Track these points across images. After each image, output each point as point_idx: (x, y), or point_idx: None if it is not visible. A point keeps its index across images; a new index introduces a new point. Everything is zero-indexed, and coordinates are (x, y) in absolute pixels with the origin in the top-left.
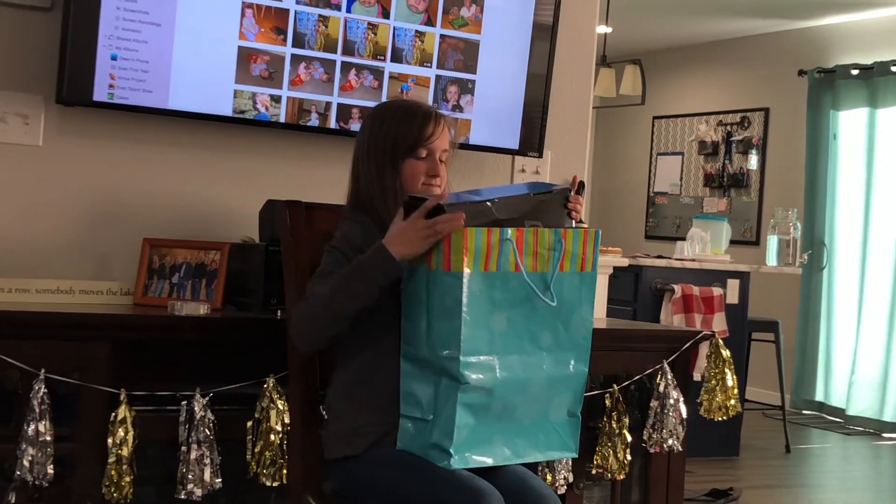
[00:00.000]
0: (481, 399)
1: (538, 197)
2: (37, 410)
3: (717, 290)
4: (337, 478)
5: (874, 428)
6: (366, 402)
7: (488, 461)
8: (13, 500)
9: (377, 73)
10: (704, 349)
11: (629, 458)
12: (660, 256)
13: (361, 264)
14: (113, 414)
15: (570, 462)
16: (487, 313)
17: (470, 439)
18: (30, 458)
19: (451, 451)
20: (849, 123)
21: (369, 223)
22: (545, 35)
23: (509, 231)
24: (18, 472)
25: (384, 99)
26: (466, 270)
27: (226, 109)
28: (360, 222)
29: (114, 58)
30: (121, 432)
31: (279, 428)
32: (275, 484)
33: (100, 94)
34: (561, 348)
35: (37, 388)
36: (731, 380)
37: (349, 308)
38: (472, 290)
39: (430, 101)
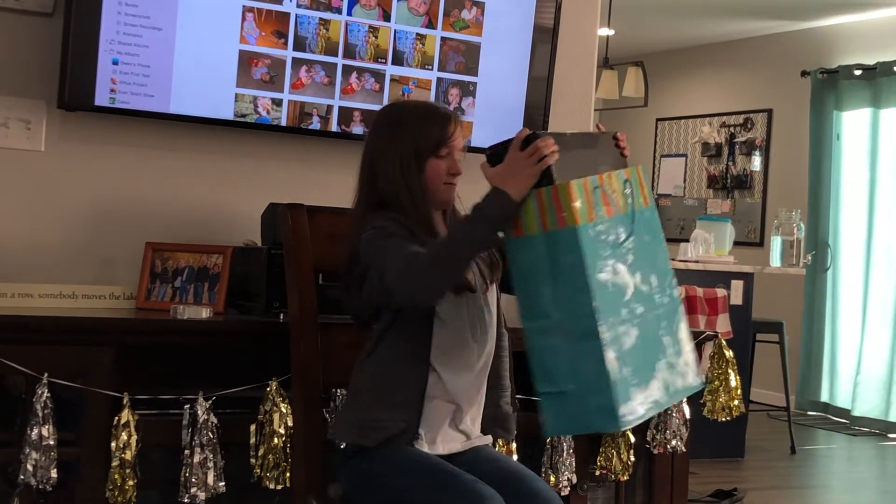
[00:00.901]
0: (622, 349)
1: (603, 135)
2: (40, 415)
3: (720, 292)
4: (345, 474)
5: (880, 429)
6: (388, 398)
7: (650, 410)
8: None
9: (378, 76)
10: (708, 350)
11: (633, 459)
12: None
13: (483, 210)
14: (116, 418)
15: (574, 463)
16: (602, 262)
17: (625, 392)
18: (33, 462)
19: (617, 409)
20: (852, 124)
21: (401, 219)
22: (546, 37)
23: (596, 179)
24: (22, 477)
25: (385, 101)
26: (581, 223)
27: (227, 113)
28: (393, 218)
29: (115, 62)
30: (124, 436)
31: (282, 431)
32: (278, 487)
33: (101, 99)
34: (661, 280)
35: (40, 392)
36: (734, 380)
37: (473, 254)
38: (589, 242)
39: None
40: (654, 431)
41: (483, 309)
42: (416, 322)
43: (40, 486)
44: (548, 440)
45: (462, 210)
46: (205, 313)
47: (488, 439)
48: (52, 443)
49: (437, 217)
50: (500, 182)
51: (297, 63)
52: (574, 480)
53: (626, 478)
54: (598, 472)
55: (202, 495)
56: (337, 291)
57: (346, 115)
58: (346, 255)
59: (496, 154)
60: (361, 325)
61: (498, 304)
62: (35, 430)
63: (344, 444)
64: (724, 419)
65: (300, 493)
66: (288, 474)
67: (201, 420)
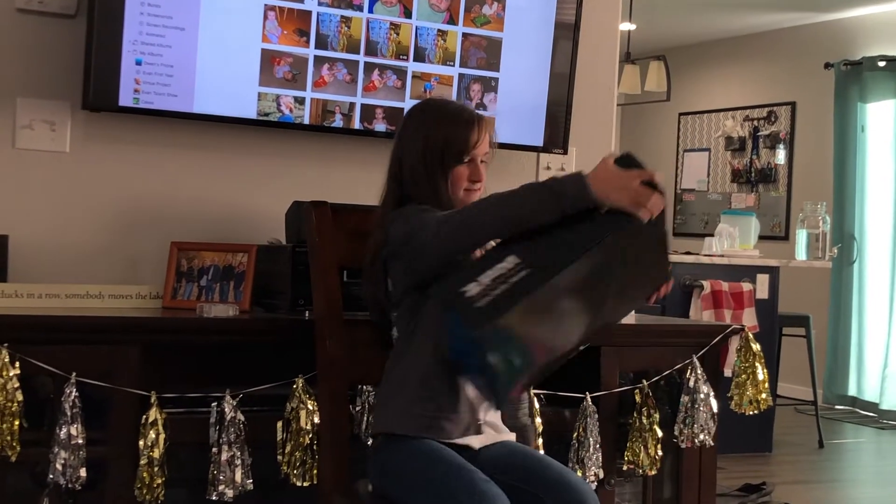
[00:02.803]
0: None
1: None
2: (68, 414)
3: (746, 286)
4: (374, 469)
5: None
6: (425, 392)
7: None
8: None
9: (400, 73)
10: (734, 344)
11: (660, 453)
12: (688, 253)
13: (556, 180)
14: (144, 416)
15: (601, 458)
16: None
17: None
18: (62, 461)
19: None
20: (877, 115)
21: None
22: (568, 33)
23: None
24: (51, 476)
25: (408, 98)
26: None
27: (250, 112)
28: (421, 209)
29: (138, 63)
30: (152, 435)
31: (309, 428)
32: (305, 484)
33: (125, 100)
34: None
35: (68, 391)
36: (761, 374)
37: (515, 216)
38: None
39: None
40: (682, 426)
41: None
42: (437, 322)
43: (69, 486)
44: (574, 435)
45: None
46: (231, 312)
47: (513, 435)
48: (80, 442)
49: None
50: (596, 177)
51: (319, 61)
52: (601, 475)
53: (653, 472)
54: (625, 467)
55: (230, 493)
56: (360, 289)
57: (368, 112)
58: (370, 247)
59: (627, 160)
60: (379, 316)
61: None
62: (64, 430)
63: (371, 441)
64: (751, 413)
65: (327, 490)
66: (315, 471)
67: (228, 418)
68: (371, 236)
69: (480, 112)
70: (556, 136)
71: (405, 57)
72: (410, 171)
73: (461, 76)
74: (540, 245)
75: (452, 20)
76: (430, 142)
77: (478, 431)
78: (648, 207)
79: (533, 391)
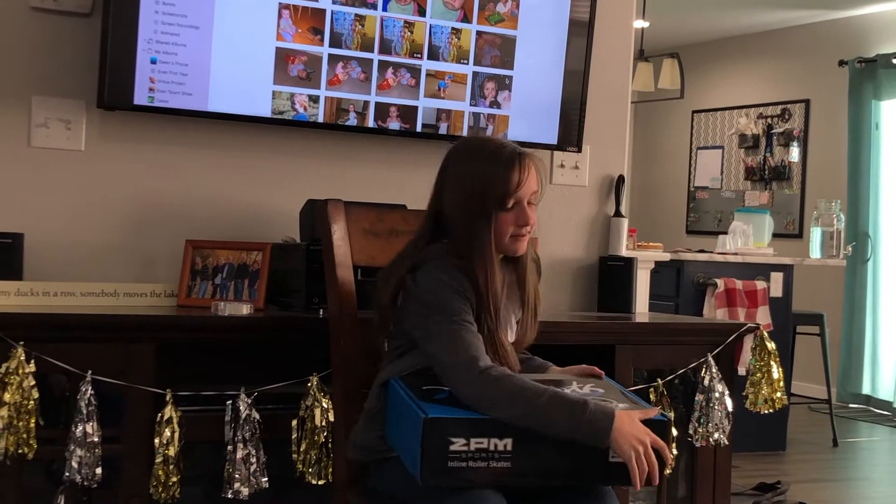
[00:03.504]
0: None
1: None
2: (84, 412)
3: (760, 284)
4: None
5: None
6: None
7: None
8: (62, 502)
9: (414, 71)
10: (749, 342)
11: (675, 452)
12: (702, 251)
13: (592, 413)
14: (159, 414)
15: None
16: None
17: None
18: (78, 459)
19: None
20: (891, 113)
21: (458, 263)
22: (582, 30)
23: None
24: (67, 474)
25: (422, 97)
26: None
27: (265, 110)
28: (451, 264)
29: (153, 61)
30: (167, 432)
31: (324, 426)
32: (320, 482)
33: (140, 98)
34: None
35: (84, 389)
36: (776, 372)
37: (536, 424)
38: None
39: (467, 98)
40: (697, 425)
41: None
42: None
43: (85, 483)
44: None
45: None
46: (245, 310)
47: None
48: (96, 440)
49: (497, 263)
50: (621, 424)
51: (333, 59)
52: None
53: (668, 471)
54: None
55: (245, 490)
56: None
57: (382, 110)
58: (391, 281)
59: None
60: (380, 322)
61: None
62: (79, 428)
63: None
64: (766, 411)
65: (342, 488)
66: (330, 469)
67: (243, 416)
68: (396, 263)
69: (523, 150)
70: (570, 133)
71: (419, 55)
72: (451, 213)
73: (475, 74)
74: (536, 451)
75: (466, 18)
76: (471, 185)
77: None
78: (643, 472)
79: None
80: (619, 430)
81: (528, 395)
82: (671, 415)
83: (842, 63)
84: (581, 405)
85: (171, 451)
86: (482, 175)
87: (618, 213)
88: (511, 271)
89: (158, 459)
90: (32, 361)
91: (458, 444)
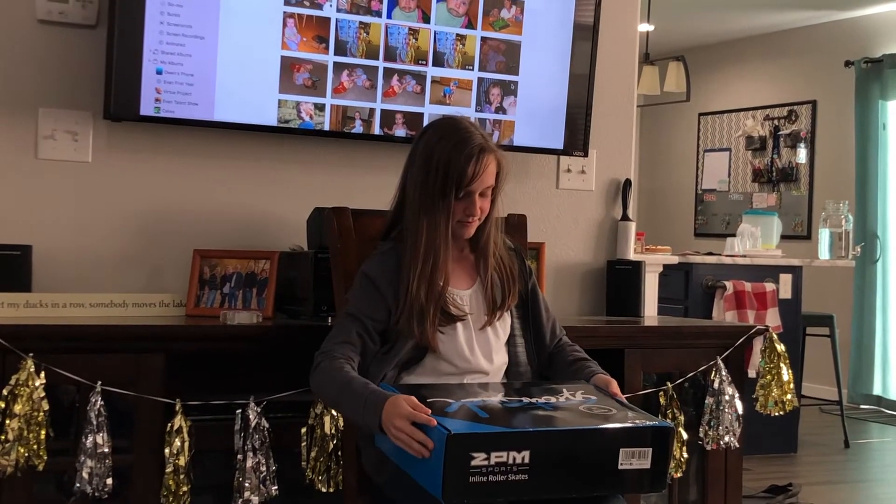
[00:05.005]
0: None
1: None
2: (94, 423)
3: (769, 286)
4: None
5: None
6: None
7: None
8: None
9: (420, 78)
10: (758, 345)
11: (686, 455)
12: (710, 253)
13: (370, 401)
14: (169, 424)
15: None
16: None
17: None
18: (88, 470)
19: None
20: None
21: (399, 256)
22: (587, 35)
23: None
24: (78, 485)
25: (427, 103)
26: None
27: (271, 119)
28: (389, 256)
29: (159, 72)
30: (177, 442)
31: (333, 434)
32: (330, 490)
33: (146, 109)
34: None
35: (94, 400)
36: (786, 374)
37: (345, 417)
38: None
39: (472, 104)
40: (707, 428)
41: (473, 340)
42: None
43: (96, 494)
44: None
45: (499, 240)
46: (254, 319)
47: None
48: (106, 450)
49: (451, 250)
50: (389, 410)
51: (338, 67)
52: None
53: (679, 475)
54: None
55: (255, 499)
56: None
57: (388, 117)
58: None
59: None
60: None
61: (516, 327)
62: (90, 438)
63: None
64: (777, 414)
65: (352, 496)
66: (339, 477)
67: (253, 424)
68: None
69: (487, 144)
70: (577, 138)
71: (424, 62)
72: (410, 198)
73: (480, 80)
74: (552, 463)
75: (471, 24)
76: (432, 165)
77: None
78: (410, 446)
79: None
80: (384, 418)
81: (331, 387)
82: (681, 417)
83: (848, 63)
84: (361, 398)
85: (182, 461)
86: (446, 160)
87: (625, 217)
88: (468, 255)
89: (169, 469)
90: (42, 373)
91: (478, 459)
